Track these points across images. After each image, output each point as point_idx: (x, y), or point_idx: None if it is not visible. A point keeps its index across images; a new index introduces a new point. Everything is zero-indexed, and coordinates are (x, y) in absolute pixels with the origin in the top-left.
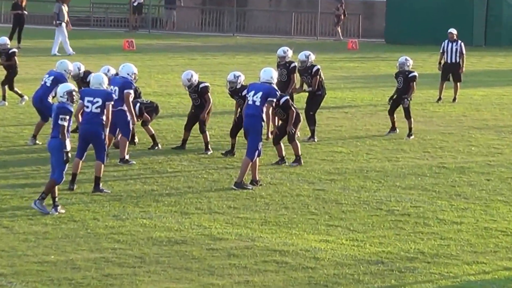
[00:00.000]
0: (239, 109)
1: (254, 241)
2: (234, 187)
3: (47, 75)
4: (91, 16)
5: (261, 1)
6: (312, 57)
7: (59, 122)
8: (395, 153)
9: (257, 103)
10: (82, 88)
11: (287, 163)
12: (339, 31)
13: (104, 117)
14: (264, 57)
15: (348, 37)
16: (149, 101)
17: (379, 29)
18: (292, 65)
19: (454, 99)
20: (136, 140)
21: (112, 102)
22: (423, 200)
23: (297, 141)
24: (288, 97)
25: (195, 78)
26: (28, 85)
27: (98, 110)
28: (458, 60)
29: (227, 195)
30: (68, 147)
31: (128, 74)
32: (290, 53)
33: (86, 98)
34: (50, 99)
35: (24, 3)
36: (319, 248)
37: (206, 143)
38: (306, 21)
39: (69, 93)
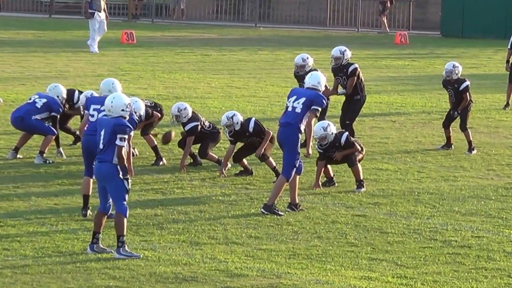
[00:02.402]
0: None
1: (280, 278)
2: (263, 211)
3: (37, 96)
4: (82, 2)
5: None
6: (348, 53)
7: (117, 142)
8: (452, 171)
9: (297, 110)
10: (89, 96)
11: (336, 185)
12: (385, 21)
13: None
14: (293, 53)
15: (396, 29)
16: (153, 103)
17: (433, 19)
18: None
19: None
20: (136, 152)
21: None
22: (487, 229)
23: (358, 165)
24: (347, 134)
25: (187, 113)
26: (4, 86)
27: None
28: None
29: (247, 221)
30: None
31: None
32: (310, 61)
33: (92, 106)
34: (33, 118)
35: None
36: (360, 286)
37: (217, 161)
38: (345, 9)
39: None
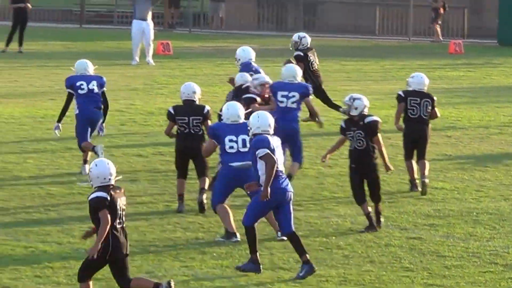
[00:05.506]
0: None
1: None
2: None
3: None
4: (114, 10)
5: None
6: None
7: None
8: None
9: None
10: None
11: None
12: (438, 29)
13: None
14: (341, 64)
15: (450, 38)
16: None
17: (490, 26)
18: None
19: None
20: None
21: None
22: None
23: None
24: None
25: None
26: (33, 101)
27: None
28: None
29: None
30: None
31: None
32: None
33: (279, 93)
34: None
35: None
36: None
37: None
38: (395, 16)
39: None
